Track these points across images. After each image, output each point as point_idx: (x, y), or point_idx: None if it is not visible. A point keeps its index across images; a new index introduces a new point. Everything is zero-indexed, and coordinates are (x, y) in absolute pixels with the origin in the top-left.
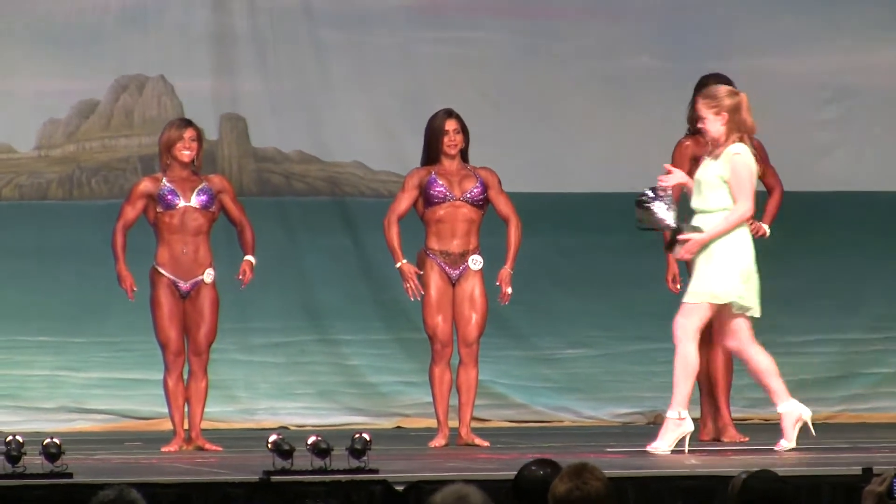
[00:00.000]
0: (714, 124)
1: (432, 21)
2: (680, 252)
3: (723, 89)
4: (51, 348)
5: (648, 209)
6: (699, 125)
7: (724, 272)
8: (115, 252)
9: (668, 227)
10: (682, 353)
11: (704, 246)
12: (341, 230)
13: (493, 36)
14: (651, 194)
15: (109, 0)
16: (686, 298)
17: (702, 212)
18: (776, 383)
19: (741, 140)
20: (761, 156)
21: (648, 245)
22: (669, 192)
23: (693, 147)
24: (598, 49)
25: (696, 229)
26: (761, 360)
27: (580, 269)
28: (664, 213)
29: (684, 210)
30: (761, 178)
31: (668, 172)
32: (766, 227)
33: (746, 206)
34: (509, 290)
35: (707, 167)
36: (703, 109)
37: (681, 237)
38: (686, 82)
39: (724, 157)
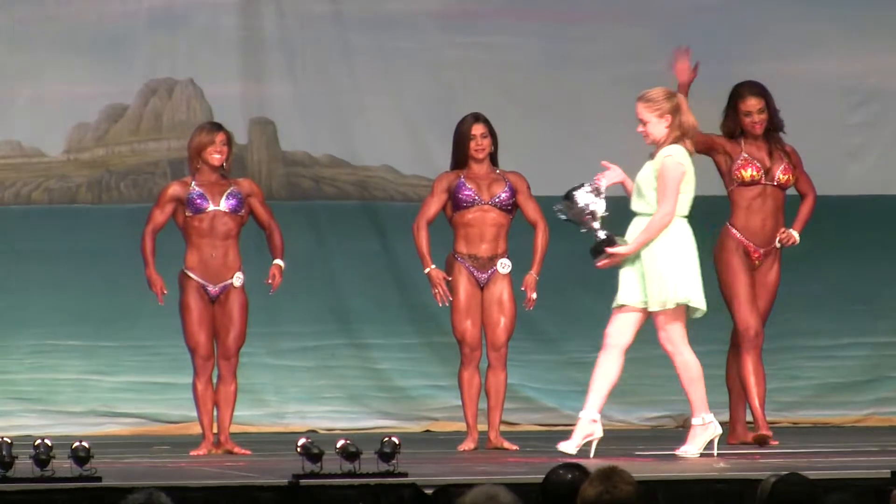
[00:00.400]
0: (657, 127)
1: (460, 26)
2: (603, 261)
3: (660, 91)
4: (80, 352)
5: (573, 201)
6: (639, 129)
7: (683, 274)
8: (144, 256)
9: (590, 225)
10: (682, 362)
11: (649, 252)
12: (371, 234)
13: (520, 41)
14: (582, 188)
15: (139, 4)
16: (656, 308)
17: (640, 214)
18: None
19: (680, 141)
20: (794, 161)
21: None
22: (600, 187)
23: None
24: (626, 53)
25: (622, 242)
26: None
27: (609, 272)
28: (590, 205)
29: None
30: (795, 184)
31: (607, 169)
32: (795, 235)
33: (668, 209)
34: (534, 296)
35: (645, 169)
36: (645, 113)
37: (609, 250)
38: (713, 86)
39: (657, 159)
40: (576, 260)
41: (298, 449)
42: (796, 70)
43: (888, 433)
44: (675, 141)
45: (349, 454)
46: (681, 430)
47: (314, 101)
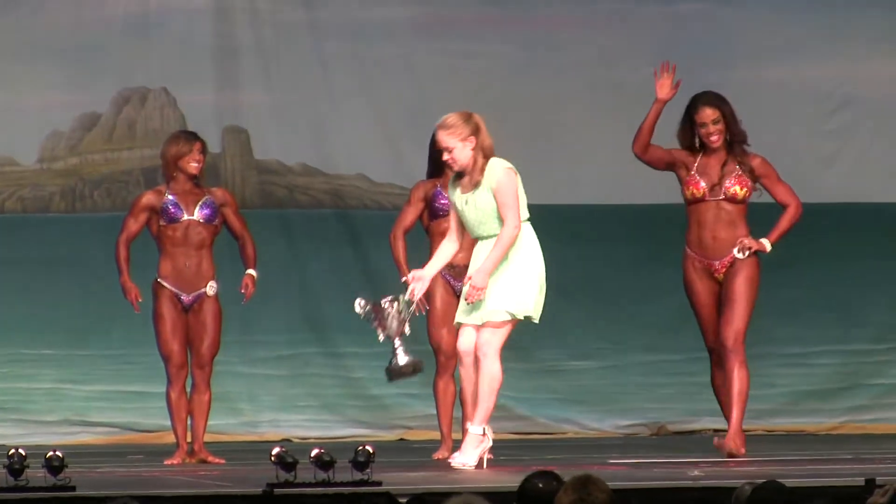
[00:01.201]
0: (463, 151)
1: (436, 33)
2: (472, 295)
3: (457, 116)
4: (54, 361)
5: (384, 311)
6: (444, 158)
7: (525, 286)
8: (119, 265)
9: (394, 339)
10: (490, 371)
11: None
12: (345, 242)
13: (495, 48)
14: (398, 300)
15: (112, 12)
16: (490, 316)
17: (487, 237)
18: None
19: (487, 161)
20: (761, 173)
21: (651, 257)
22: (414, 301)
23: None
24: (600, 60)
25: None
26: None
27: (584, 281)
28: (404, 323)
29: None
30: (773, 195)
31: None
32: (767, 245)
33: (514, 222)
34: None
35: (474, 203)
36: (449, 140)
37: (476, 284)
38: (689, 93)
39: (487, 180)
40: (548, 268)
41: (273, 458)
42: (770, 76)
43: (863, 441)
44: (486, 161)
45: (323, 463)
46: (655, 439)
47: (288, 109)
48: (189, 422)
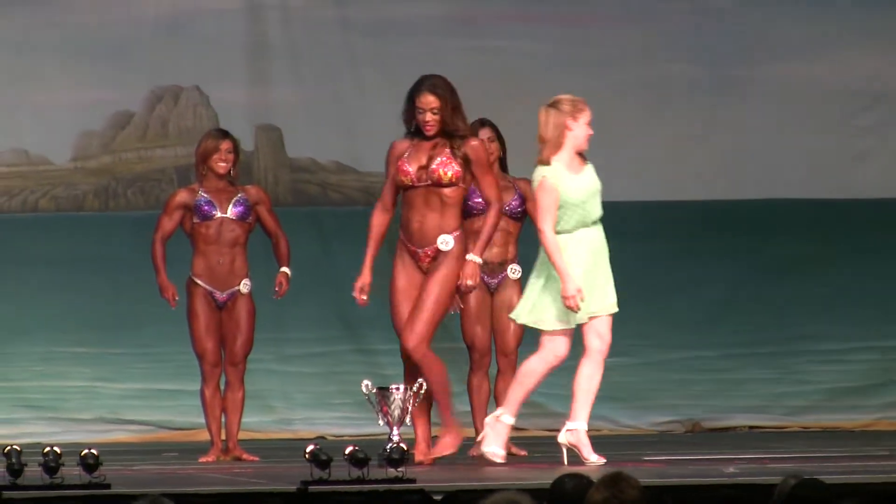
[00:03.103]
0: None
1: (466, 30)
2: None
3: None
4: (88, 359)
5: (391, 397)
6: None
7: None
8: (155, 263)
9: (393, 425)
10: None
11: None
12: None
13: (525, 44)
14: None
15: (144, 11)
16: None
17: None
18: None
19: None
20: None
21: (686, 253)
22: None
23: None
24: (631, 56)
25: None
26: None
27: (618, 277)
28: (406, 412)
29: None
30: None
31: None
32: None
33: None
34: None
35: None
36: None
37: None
38: (722, 87)
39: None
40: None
41: (307, 455)
42: (804, 72)
43: None
44: None
45: (358, 460)
46: (689, 436)
47: (320, 106)
48: (223, 419)
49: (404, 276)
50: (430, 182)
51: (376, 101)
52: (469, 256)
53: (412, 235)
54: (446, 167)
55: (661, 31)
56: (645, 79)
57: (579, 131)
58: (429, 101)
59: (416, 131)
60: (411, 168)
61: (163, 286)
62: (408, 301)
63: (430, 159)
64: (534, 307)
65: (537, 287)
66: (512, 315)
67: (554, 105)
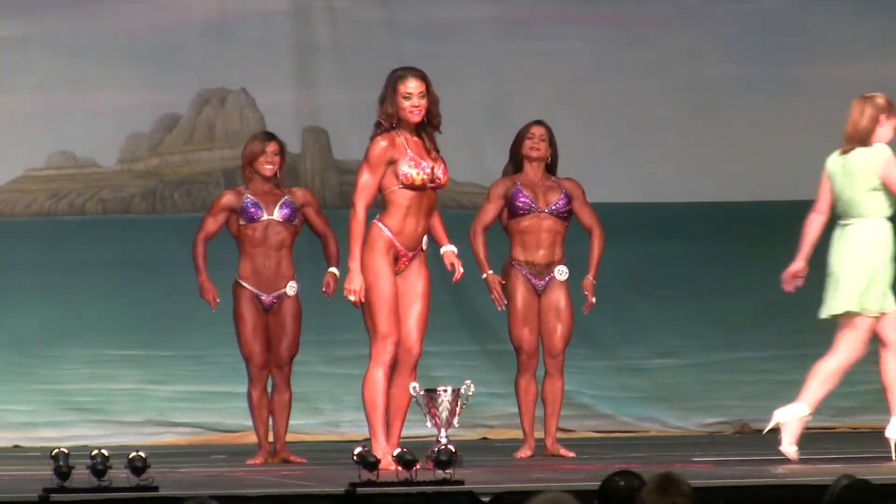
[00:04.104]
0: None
1: (515, 32)
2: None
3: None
4: (135, 362)
5: (439, 398)
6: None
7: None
8: (196, 263)
9: (442, 427)
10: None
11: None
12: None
13: (576, 46)
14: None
15: (191, 14)
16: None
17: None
18: None
19: None
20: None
21: (735, 254)
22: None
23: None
24: (681, 57)
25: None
26: None
27: (666, 278)
28: (455, 413)
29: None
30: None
31: None
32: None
33: None
34: (593, 300)
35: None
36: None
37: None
38: (770, 89)
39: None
40: (632, 266)
41: (354, 457)
42: (852, 74)
43: None
44: None
45: (405, 462)
46: (737, 437)
47: (367, 108)
48: (270, 422)
49: (391, 277)
50: (434, 185)
51: None
52: (445, 248)
53: (407, 238)
54: (444, 169)
55: (708, 32)
56: (695, 80)
57: (886, 131)
58: (416, 84)
59: (396, 126)
60: (427, 168)
61: (203, 287)
62: (395, 301)
63: (436, 160)
64: (866, 291)
65: (867, 272)
66: (840, 306)
67: (869, 99)
